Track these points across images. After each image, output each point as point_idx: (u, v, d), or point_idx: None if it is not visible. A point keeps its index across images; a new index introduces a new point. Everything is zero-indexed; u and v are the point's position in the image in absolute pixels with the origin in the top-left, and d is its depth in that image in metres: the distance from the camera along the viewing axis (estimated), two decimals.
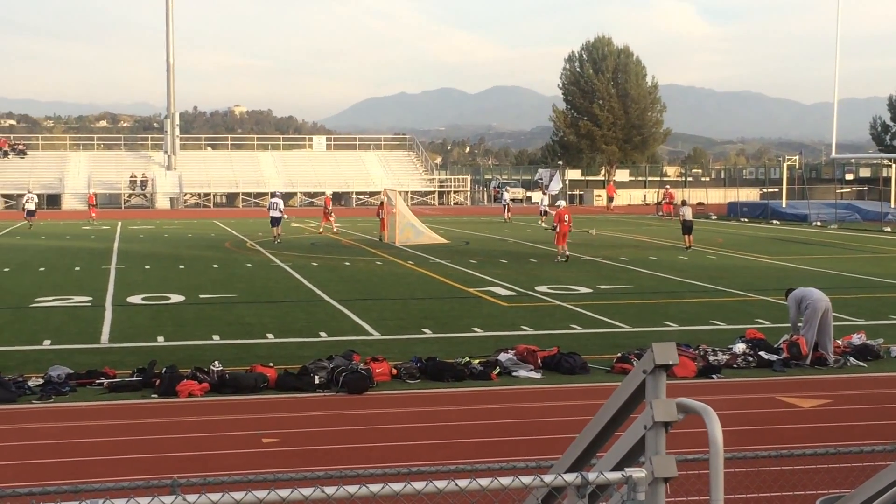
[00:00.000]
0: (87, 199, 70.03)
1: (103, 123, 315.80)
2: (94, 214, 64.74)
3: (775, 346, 18.46)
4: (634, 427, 4.69)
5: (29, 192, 63.54)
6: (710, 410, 4.57)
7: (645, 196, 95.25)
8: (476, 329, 21.72)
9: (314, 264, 35.49)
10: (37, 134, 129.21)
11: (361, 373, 16.04)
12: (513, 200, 69.33)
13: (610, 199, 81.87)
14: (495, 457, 11.82)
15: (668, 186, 78.04)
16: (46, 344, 19.94)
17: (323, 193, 67.13)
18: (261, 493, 4.33)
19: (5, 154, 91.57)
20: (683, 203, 45.10)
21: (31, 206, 59.89)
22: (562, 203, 39.00)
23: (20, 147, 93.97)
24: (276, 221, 46.03)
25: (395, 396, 15.69)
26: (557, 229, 36.49)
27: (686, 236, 42.35)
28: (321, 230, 52.18)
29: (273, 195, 49.41)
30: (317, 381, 16.02)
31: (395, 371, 16.83)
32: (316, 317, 23.52)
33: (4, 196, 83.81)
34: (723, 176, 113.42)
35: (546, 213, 61.16)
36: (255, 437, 13.17)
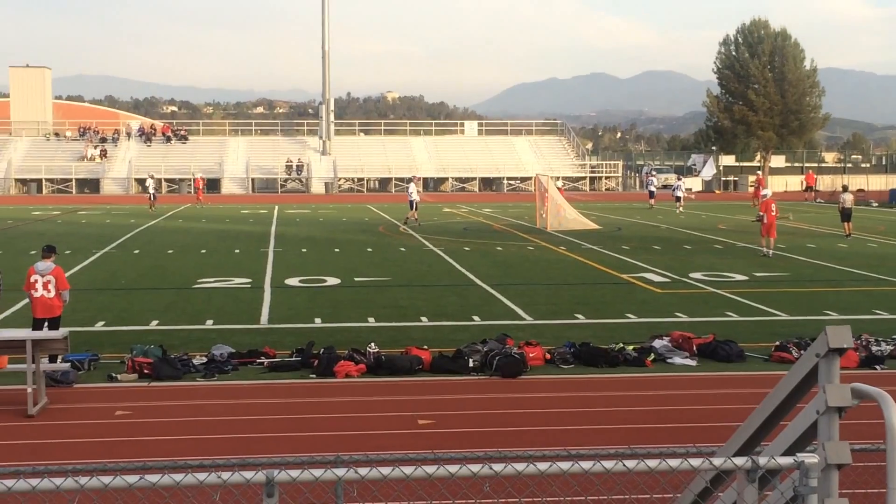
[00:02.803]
0: (194, 182, 72.18)
1: (260, 109, 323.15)
2: (199, 198, 66.85)
3: None
4: (806, 412, 4.62)
5: (150, 177, 65.88)
6: (887, 396, 4.47)
7: (802, 182, 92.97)
8: (630, 315, 21.57)
9: (466, 249, 35.68)
10: (197, 120, 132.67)
11: (515, 357, 16.09)
12: (659, 187, 67.44)
13: (809, 188, 77.34)
14: (651, 443, 11.74)
15: (758, 173, 75.27)
16: (209, 324, 20.53)
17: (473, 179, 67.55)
18: (430, 469, 4.40)
19: (168, 139, 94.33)
20: (844, 189, 43.79)
21: (150, 190, 62.13)
22: (768, 193, 36.86)
23: (182, 133, 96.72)
24: (411, 204, 47.40)
25: (549, 381, 15.70)
26: (765, 220, 33.53)
27: (845, 223, 41.15)
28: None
29: (409, 180, 50.70)
30: (471, 365, 16.14)
31: (548, 356, 16.85)
32: (469, 301, 23.66)
33: (168, 180, 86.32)
34: (884, 162, 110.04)
35: (680, 199, 59.60)
36: (411, 419, 13.33)
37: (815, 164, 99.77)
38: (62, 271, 16.81)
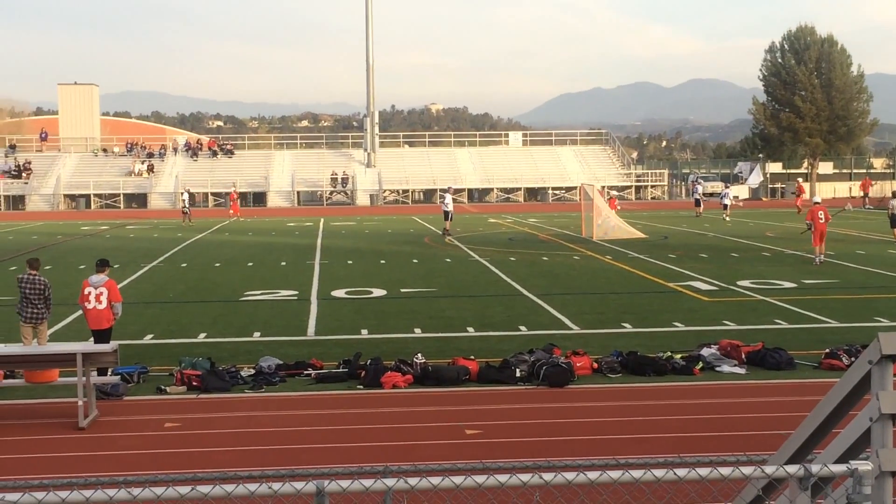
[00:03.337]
0: (229, 196, 72.19)
1: (305, 123, 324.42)
2: (233, 211, 67.00)
3: None
4: (859, 419, 4.57)
5: (185, 191, 66.28)
6: None
7: (850, 189, 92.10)
8: (677, 324, 21.45)
9: (512, 259, 35.63)
10: (243, 134, 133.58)
11: (562, 366, 16.04)
12: (706, 195, 66.58)
13: (865, 195, 76.04)
14: (700, 452, 11.67)
15: (798, 180, 74.61)
16: (256, 336, 20.64)
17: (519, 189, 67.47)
18: (480, 478, 4.40)
19: (214, 154, 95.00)
20: (894, 195, 43.34)
21: (186, 204, 62.61)
22: (817, 199, 36.22)
23: (228, 147, 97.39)
24: (446, 215, 47.96)
25: (597, 390, 15.65)
26: (812, 228, 33.32)
27: (895, 230, 40.71)
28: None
29: (446, 191, 50.82)
30: (518, 374, 16.11)
31: (595, 365, 16.80)
32: (515, 311, 23.62)
33: (214, 194, 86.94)
34: None
35: (727, 206, 59.42)
36: (458, 429, 13.33)
37: (864, 171, 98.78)
38: (115, 284, 17.02)
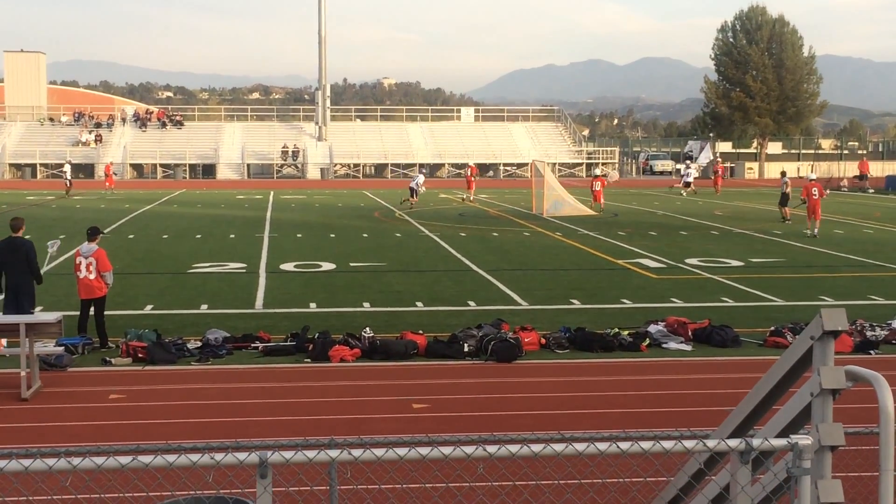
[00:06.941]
0: (104, 168, 71.34)
1: (256, 95, 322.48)
2: (108, 184, 65.89)
3: None
4: (800, 394, 4.61)
5: (67, 163, 65.24)
6: (881, 378, 4.46)
7: (798, 169, 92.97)
8: (625, 300, 21.57)
9: (462, 234, 35.65)
10: (193, 105, 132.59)
11: (510, 342, 16.09)
12: (658, 173, 67.78)
13: (863, 177, 73.55)
14: (645, 427, 11.76)
15: (718, 160, 76.01)
16: (204, 308, 20.52)
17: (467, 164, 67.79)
18: (424, 450, 4.39)
19: (163, 125, 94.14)
20: (783, 174, 44.32)
21: (67, 176, 61.59)
22: (812, 176, 37.56)
23: (177, 118, 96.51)
24: (413, 192, 49.17)
25: (544, 366, 15.70)
26: (806, 203, 35.76)
27: (782, 208, 41.43)
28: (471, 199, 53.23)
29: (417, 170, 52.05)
30: (466, 349, 16.14)
31: (543, 340, 16.85)
32: (464, 286, 23.65)
33: (163, 166, 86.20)
34: (881, 149, 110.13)
35: (689, 185, 60.55)
36: (405, 403, 13.33)
37: (812, 151, 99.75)
38: (104, 253, 17.27)
